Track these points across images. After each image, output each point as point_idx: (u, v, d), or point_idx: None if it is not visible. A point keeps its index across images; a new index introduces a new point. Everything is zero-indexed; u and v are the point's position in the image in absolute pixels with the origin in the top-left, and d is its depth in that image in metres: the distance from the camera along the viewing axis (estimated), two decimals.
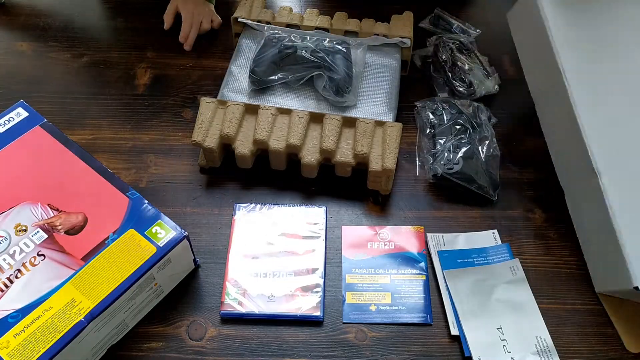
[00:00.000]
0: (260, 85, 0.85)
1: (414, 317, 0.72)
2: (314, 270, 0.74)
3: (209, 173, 0.84)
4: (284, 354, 0.70)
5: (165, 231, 0.67)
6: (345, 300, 0.73)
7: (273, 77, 0.85)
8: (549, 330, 0.70)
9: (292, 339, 0.71)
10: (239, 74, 0.88)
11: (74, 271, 0.63)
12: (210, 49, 0.99)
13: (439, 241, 0.78)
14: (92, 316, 0.61)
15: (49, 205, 0.68)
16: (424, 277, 0.75)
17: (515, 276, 0.74)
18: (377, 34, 0.90)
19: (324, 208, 0.80)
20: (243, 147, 0.80)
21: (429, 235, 0.78)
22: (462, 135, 0.83)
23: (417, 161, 0.85)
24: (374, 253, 0.77)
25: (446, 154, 0.81)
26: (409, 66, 0.95)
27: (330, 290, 0.74)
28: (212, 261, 0.76)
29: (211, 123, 0.81)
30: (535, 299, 0.73)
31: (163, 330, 0.71)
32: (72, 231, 0.67)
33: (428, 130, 0.86)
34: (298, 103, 0.85)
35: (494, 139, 0.85)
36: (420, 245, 0.77)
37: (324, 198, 0.82)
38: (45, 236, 0.66)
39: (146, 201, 0.70)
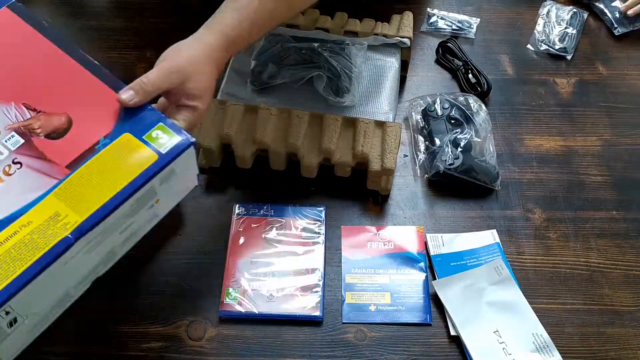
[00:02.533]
0: (260, 85, 0.85)
1: (414, 317, 0.72)
2: (313, 270, 0.74)
3: (208, 173, 0.84)
4: (283, 354, 0.70)
5: (168, 135, 0.56)
6: (344, 300, 0.73)
7: (273, 77, 0.85)
8: (548, 331, 0.70)
9: (291, 339, 0.71)
10: (239, 74, 0.88)
11: (57, 181, 0.53)
12: None
13: (438, 242, 0.78)
14: (80, 232, 0.51)
15: (24, 105, 0.57)
16: (424, 277, 0.75)
17: (501, 276, 0.74)
18: (377, 34, 0.90)
19: (323, 208, 0.80)
20: (243, 147, 0.80)
21: (428, 235, 0.78)
22: (458, 129, 0.83)
23: (416, 161, 0.85)
24: (374, 253, 0.77)
25: (446, 150, 0.81)
26: (409, 66, 0.95)
27: (330, 290, 0.74)
28: (212, 261, 0.76)
29: (211, 123, 0.81)
30: (536, 299, 0.73)
31: (162, 330, 0.71)
32: (54, 135, 0.56)
33: (423, 129, 0.86)
34: (298, 103, 0.85)
35: (489, 128, 0.85)
36: (420, 245, 0.77)
37: (324, 198, 0.82)
38: (22, 141, 0.56)
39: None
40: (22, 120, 0.57)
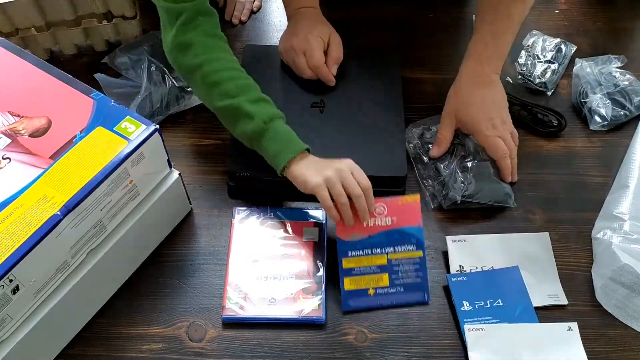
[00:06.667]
0: None
1: (413, 297, 0.73)
2: (314, 273, 0.74)
3: (208, 174, 0.84)
4: (284, 355, 0.70)
5: (135, 126, 0.66)
6: (343, 286, 0.73)
7: None
8: None
9: (292, 340, 0.71)
10: None
11: (43, 169, 0.62)
12: None
13: (461, 250, 0.76)
14: (67, 209, 0.60)
15: (9, 112, 0.67)
16: (421, 254, 0.74)
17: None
18: None
19: (323, 209, 0.80)
20: None
21: (448, 238, 0.77)
22: (463, 153, 0.81)
23: (426, 192, 0.83)
24: (370, 231, 0.74)
25: (457, 177, 0.79)
26: None
27: (331, 291, 0.74)
28: (212, 262, 0.76)
29: None
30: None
31: (163, 331, 0.71)
32: (37, 134, 0.65)
33: (426, 159, 0.83)
34: None
35: None
36: (416, 217, 0.75)
37: None
38: (9, 141, 0.65)
39: (112, 100, 0.68)
40: (7, 124, 0.66)
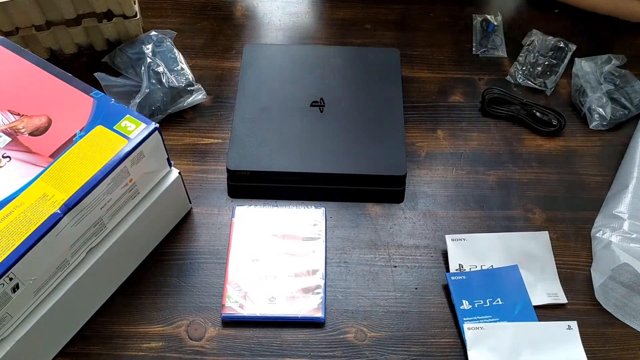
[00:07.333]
0: None
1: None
2: (314, 272, 0.74)
3: (208, 173, 0.84)
4: (283, 354, 0.70)
5: (135, 124, 0.66)
6: None
7: None
8: None
9: (291, 339, 0.71)
10: None
11: (43, 168, 0.62)
12: (210, 48, 0.99)
13: (461, 249, 0.76)
14: (67, 207, 0.60)
15: (9, 111, 0.67)
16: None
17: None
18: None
19: (323, 209, 0.80)
20: None
21: (448, 236, 0.77)
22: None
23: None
24: None
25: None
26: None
27: (331, 290, 0.74)
28: (212, 261, 0.76)
29: None
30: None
31: (163, 330, 0.71)
32: (37, 132, 0.66)
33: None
34: None
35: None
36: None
37: (324, 198, 0.82)
38: (9, 139, 0.65)
39: (112, 99, 0.68)
40: (7, 123, 0.66)
